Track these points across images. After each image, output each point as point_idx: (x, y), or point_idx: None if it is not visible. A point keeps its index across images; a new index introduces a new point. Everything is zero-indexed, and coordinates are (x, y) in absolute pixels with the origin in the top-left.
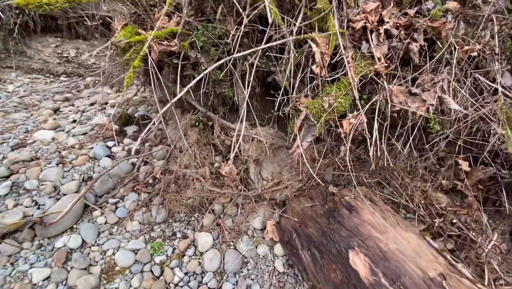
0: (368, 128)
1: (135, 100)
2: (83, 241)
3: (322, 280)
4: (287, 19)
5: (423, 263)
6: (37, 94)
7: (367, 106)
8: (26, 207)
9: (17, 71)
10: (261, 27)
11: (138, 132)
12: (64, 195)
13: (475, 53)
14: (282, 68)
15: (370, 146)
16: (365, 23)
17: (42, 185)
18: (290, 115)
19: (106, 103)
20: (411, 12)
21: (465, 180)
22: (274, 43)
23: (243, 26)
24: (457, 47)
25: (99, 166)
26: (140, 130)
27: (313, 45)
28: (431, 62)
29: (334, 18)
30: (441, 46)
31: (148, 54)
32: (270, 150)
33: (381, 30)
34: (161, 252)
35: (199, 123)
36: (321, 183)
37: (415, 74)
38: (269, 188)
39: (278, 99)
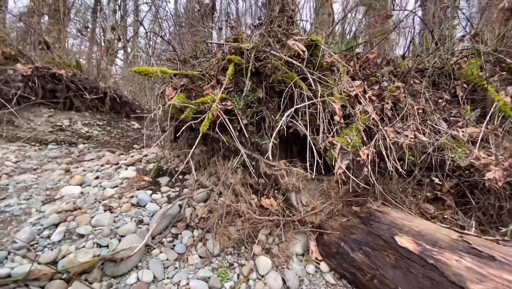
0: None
1: (162, 156)
2: (154, 276)
3: (380, 266)
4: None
5: (445, 233)
6: (31, 159)
7: (373, 142)
8: (88, 248)
9: None
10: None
11: (172, 182)
12: (122, 236)
13: (421, 110)
14: (301, 122)
15: (373, 171)
16: (356, 92)
17: (95, 230)
18: (322, 151)
19: (117, 163)
20: (377, 87)
21: (442, 189)
22: (305, 104)
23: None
24: (410, 107)
25: (145, 210)
26: (174, 181)
27: (334, 104)
28: (400, 116)
29: (338, 89)
30: (401, 106)
31: (218, 111)
32: (305, 180)
33: (367, 96)
34: (228, 279)
35: (239, 166)
36: (347, 204)
37: (392, 123)
38: (309, 212)
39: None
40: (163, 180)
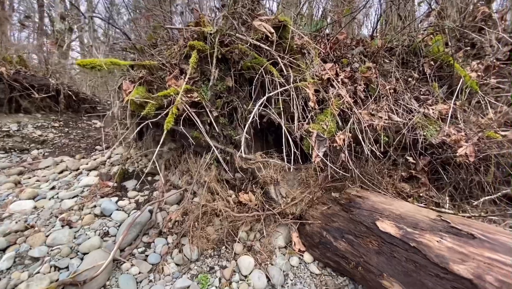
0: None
1: (128, 157)
2: None
3: (364, 253)
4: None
5: (424, 214)
6: None
7: (348, 126)
8: (44, 274)
9: None
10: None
11: (140, 185)
12: (85, 253)
13: (392, 90)
14: (274, 110)
15: (350, 155)
16: (328, 76)
17: (52, 250)
18: (298, 140)
19: (78, 169)
20: (348, 69)
21: (416, 167)
22: (277, 91)
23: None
24: (382, 87)
25: (110, 220)
26: (142, 183)
27: (307, 90)
28: (373, 97)
29: (310, 73)
30: (374, 87)
31: (183, 104)
32: (283, 171)
33: (339, 79)
34: (209, 285)
35: (213, 162)
36: (326, 190)
37: (366, 105)
38: (289, 203)
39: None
40: (130, 184)
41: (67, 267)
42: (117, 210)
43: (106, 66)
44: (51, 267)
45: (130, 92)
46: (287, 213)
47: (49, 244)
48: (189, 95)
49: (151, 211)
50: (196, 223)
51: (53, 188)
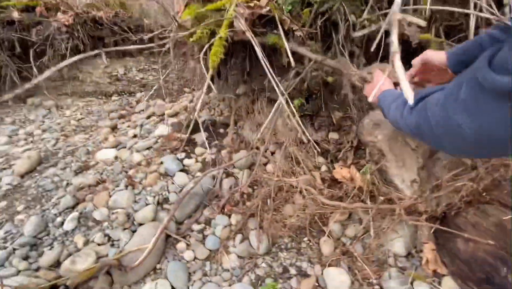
0: None
1: (207, 102)
2: (172, 287)
3: None
4: None
5: None
6: (93, 115)
7: None
8: (99, 244)
9: (73, 96)
10: None
11: (209, 140)
12: (140, 224)
13: None
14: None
15: None
16: None
17: (113, 213)
18: None
19: (163, 114)
20: None
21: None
22: None
23: None
24: None
25: (173, 183)
26: (212, 136)
27: None
28: None
29: None
30: None
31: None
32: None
33: None
34: None
35: (294, 115)
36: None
37: None
38: (428, 194)
39: None
40: (200, 137)
41: (119, 240)
42: (181, 170)
43: None
44: (105, 236)
45: (181, 13)
46: (418, 209)
47: (111, 206)
48: (252, 5)
49: (214, 177)
50: (267, 201)
51: (134, 136)
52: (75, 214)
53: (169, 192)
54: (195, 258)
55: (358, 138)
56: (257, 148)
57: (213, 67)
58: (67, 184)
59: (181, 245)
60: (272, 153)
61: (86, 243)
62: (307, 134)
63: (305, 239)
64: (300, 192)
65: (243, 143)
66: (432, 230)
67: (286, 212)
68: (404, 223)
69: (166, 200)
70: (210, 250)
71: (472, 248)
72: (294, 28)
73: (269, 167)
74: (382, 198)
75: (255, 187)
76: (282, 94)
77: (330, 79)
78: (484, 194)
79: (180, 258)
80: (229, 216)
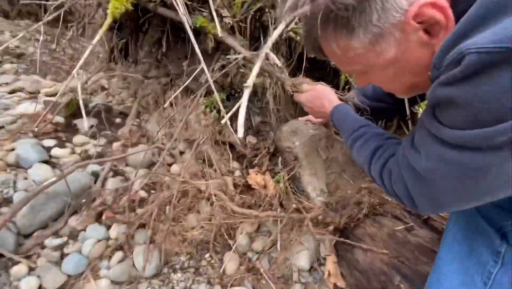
0: None
1: (94, 85)
2: None
3: None
4: None
5: None
6: None
7: None
8: None
9: None
10: None
11: (98, 127)
12: None
13: None
14: None
15: None
16: None
17: None
18: None
19: (38, 92)
20: None
21: None
22: None
23: None
24: None
25: (26, 178)
26: (102, 124)
27: None
28: None
29: None
30: None
31: None
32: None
33: None
34: None
35: (211, 110)
36: None
37: None
38: (334, 202)
39: None
40: (84, 124)
41: None
42: (44, 161)
43: None
44: None
45: None
46: (326, 220)
47: None
48: None
49: (96, 174)
50: (165, 209)
51: None
52: None
53: (15, 190)
54: (40, 287)
55: (275, 145)
56: (163, 144)
57: (113, 15)
58: None
59: (18, 270)
60: (181, 153)
61: None
62: (232, 130)
63: (207, 255)
64: (208, 198)
65: (145, 138)
66: (333, 242)
67: (188, 223)
68: (310, 235)
69: (6, 200)
70: (68, 276)
71: (370, 258)
72: (224, 15)
73: (175, 168)
74: (294, 206)
75: (153, 191)
76: (210, 81)
77: (257, 80)
78: (378, 206)
79: None
80: (109, 227)
